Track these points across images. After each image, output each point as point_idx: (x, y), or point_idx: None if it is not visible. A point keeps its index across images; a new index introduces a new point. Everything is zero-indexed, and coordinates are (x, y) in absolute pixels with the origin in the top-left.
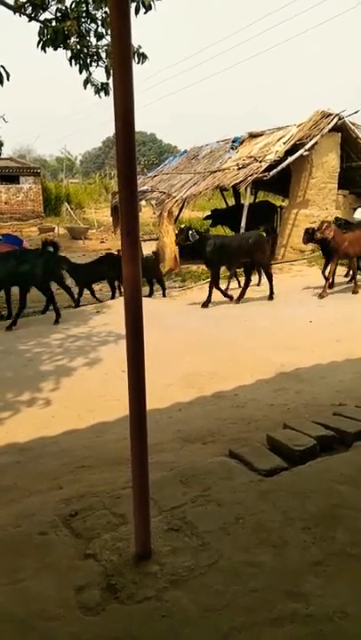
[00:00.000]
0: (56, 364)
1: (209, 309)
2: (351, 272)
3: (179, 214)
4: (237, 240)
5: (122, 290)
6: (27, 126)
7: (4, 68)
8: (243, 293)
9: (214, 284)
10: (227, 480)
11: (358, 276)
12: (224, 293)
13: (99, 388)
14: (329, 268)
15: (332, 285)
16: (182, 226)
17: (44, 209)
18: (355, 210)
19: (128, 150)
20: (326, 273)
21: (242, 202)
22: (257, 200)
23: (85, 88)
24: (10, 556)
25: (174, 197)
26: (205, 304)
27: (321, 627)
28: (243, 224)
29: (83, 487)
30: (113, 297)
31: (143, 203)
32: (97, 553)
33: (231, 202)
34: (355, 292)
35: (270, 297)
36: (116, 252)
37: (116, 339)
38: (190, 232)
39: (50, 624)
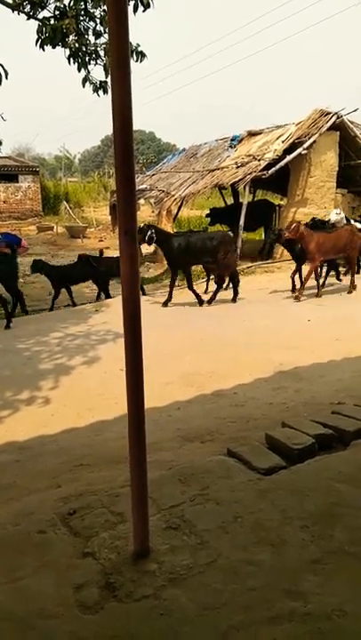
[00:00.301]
0: (55, 363)
1: (209, 308)
2: (320, 274)
3: (177, 213)
4: (202, 240)
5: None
6: (25, 125)
7: (2, 66)
8: (214, 295)
9: (189, 284)
10: (225, 479)
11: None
12: (197, 295)
13: (98, 386)
14: (309, 270)
15: (323, 285)
16: (142, 224)
17: (43, 208)
18: (353, 209)
19: (126, 148)
20: (304, 276)
21: (241, 200)
22: (256, 199)
23: (84, 86)
24: (9, 554)
25: (173, 196)
26: (165, 303)
27: (319, 625)
28: (241, 222)
29: (81, 486)
30: (98, 298)
31: (142, 201)
32: (95, 551)
33: (230, 200)
34: (318, 296)
35: (233, 299)
36: (99, 252)
37: (115, 337)
38: (150, 232)
39: (48, 622)
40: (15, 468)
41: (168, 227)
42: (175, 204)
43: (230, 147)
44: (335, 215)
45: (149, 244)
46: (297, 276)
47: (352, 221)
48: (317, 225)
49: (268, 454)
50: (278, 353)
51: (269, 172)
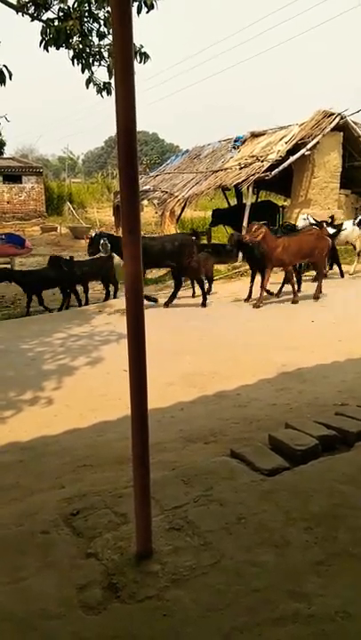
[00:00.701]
0: (58, 364)
1: (210, 309)
2: (283, 281)
3: (181, 214)
4: (161, 244)
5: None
6: (29, 126)
7: (6, 67)
8: (172, 298)
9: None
10: (229, 480)
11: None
12: (148, 297)
13: (101, 387)
14: (266, 276)
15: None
16: (93, 234)
17: (47, 208)
18: (356, 210)
19: (130, 149)
20: (263, 281)
21: (244, 201)
22: (259, 200)
23: (88, 87)
24: (12, 554)
25: (176, 197)
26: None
27: (323, 626)
28: (245, 224)
29: (84, 486)
30: (61, 307)
31: (145, 202)
32: (98, 552)
33: (233, 201)
34: (294, 302)
35: (203, 304)
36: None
37: (118, 338)
38: (102, 240)
39: (51, 623)
40: (18, 468)
41: (172, 227)
42: (178, 205)
43: (234, 148)
44: (302, 220)
45: (105, 253)
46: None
47: (345, 223)
48: (288, 230)
49: (272, 455)
50: (281, 354)
51: (273, 172)
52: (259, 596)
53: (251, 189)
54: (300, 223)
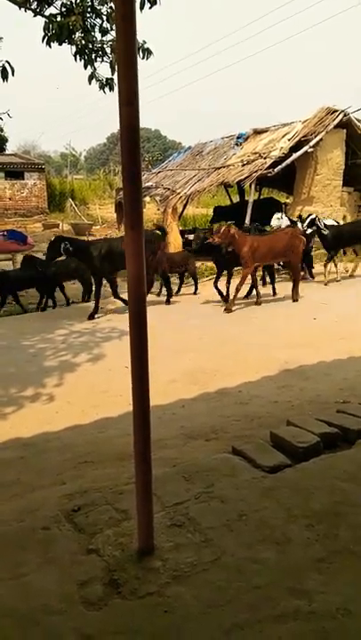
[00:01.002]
0: (60, 360)
1: (212, 306)
2: (253, 281)
3: (183, 210)
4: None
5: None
6: (31, 122)
7: (9, 63)
8: (168, 295)
9: (114, 292)
10: (230, 477)
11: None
12: (123, 300)
13: (102, 383)
14: (242, 276)
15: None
16: (52, 237)
17: (49, 205)
18: (359, 207)
19: (133, 146)
20: (237, 284)
21: (246, 199)
22: (261, 197)
23: (90, 83)
24: (13, 550)
25: (178, 194)
26: (91, 316)
27: (324, 624)
28: (247, 221)
29: (86, 482)
30: (39, 307)
31: (147, 199)
32: (100, 548)
33: (236, 198)
34: (258, 304)
35: (167, 301)
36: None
37: (120, 335)
38: (63, 245)
39: (52, 618)
40: (19, 464)
41: (173, 225)
42: (181, 202)
43: (236, 144)
44: (276, 220)
45: (68, 256)
46: (223, 284)
47: (331, 221)
48: (252, 230)
49: (273, 452)
50: (283, 351)
51: (275, 169)
52: (260, 593)
53: (253, 186)
54: (274, 223)
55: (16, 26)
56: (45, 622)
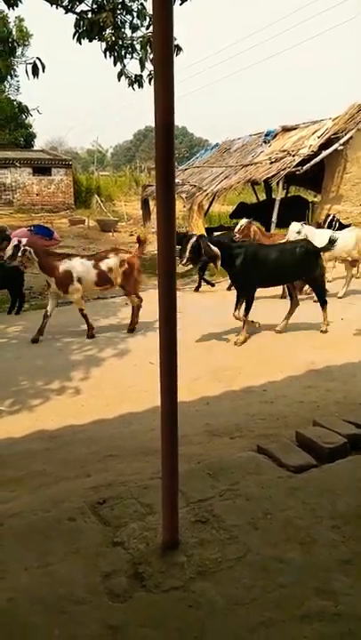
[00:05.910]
0: (85, 354)
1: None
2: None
3: (209, 208)
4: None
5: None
6: (59, 119)
7: (39, 59)
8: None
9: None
10: (255, 475)
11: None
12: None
13: (127, 378)
14: None
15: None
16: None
17: (75, 201)
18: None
19: (167, 144)
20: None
21: (273, 197)
22: (289, 195)
23: (119, 80)
24: (39, 539)
25: (205, 191)
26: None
27: (350, 625)
28: (274, 219)
29: (111, 476)
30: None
31: None
32: (125, 541)
33: (262, 196)
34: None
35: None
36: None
37: (145, 330)
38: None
39: (78, 608)
40: (45, 455)
41: (199, 222)
42: (207, 200)
43: (264, 142)
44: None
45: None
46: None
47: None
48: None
49: (299, 452)
50: (309, 351)
51: (304, 167)
52: (285, 592)
53: (281, 184)
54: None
55: (42, 20)
56: (73, 611)
